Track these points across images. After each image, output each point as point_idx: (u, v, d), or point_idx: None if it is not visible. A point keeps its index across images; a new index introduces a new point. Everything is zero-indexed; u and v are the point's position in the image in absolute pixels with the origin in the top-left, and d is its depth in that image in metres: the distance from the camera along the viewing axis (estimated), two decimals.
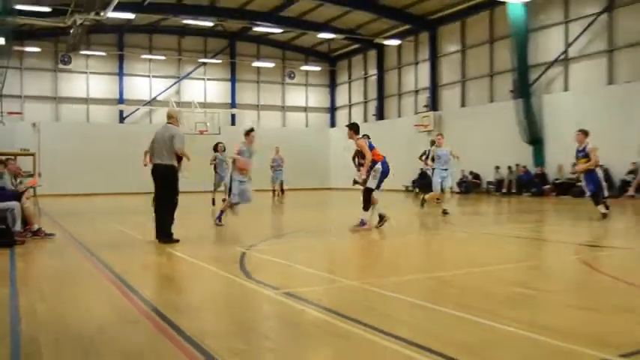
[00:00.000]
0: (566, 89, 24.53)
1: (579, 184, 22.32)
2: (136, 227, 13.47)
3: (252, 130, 12.60)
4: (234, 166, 11.94)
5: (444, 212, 14.37)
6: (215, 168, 19.11)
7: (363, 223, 10.66)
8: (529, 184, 24.72)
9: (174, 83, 35.32)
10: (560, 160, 23.73)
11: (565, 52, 24.29)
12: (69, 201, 24.52)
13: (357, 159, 12.36)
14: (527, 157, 25.19)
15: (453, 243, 9.89)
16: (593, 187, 12.66)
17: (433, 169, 15.37)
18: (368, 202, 10.92)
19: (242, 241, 9.68)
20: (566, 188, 23.06)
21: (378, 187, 11.04)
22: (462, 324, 4.31)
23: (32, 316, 4.92)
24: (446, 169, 15.06)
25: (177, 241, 9.37)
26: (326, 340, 4.02)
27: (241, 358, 3.62)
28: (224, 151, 18.65)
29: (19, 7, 22.48)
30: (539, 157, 24.80)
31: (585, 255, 7.74)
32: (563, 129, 23.53)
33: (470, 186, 27.61)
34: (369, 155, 10.99)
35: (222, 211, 12.82)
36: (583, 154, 12.88)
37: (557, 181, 23.76)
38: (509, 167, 26.00)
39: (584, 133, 12.82)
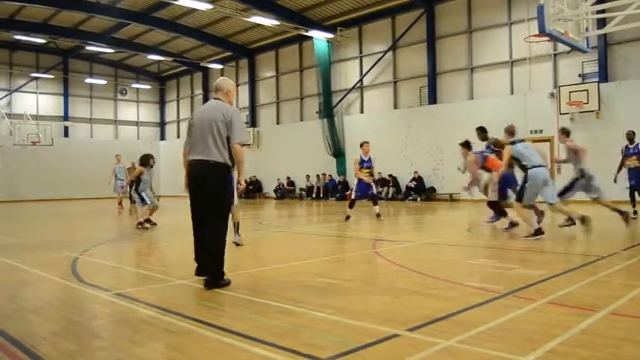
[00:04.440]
0: (362, 111, 25.98)
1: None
2: None
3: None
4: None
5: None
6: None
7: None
8: (334, 190, 25.76)
9: (6, 95, 31.97)
10: None
11: (360, 81, 25.73)
12: None
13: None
14: (332, 168, 26.26)
15: (270, 242, 9.93)
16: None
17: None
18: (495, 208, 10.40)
19: (73, 246, 8.91)
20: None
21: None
22: (274, 311, 4.31)
23: None
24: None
25: (229, 283, 5.32)
26: (155, 334, 3.80)
27: (72, 358, 3.30)
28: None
29: None
30: (341, 167, 25.95)
31: (380, 248, 8.16)
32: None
33: (285, 192, 28.15)
34: (475, 170, 10.71)
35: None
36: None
37: None
38: (318, 176, 26.89)
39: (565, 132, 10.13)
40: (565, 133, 10.15)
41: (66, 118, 34.24)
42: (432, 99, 22.88)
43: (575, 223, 9.14)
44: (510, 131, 9.32)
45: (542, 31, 9.75)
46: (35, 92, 33.36)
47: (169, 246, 9.17)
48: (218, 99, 5.48)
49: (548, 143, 18.64)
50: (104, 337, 3.90)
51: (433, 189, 22.54)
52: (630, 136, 12.48)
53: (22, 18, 27.36)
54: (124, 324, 4.17)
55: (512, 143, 9.01)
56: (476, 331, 3.61)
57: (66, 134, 33.94)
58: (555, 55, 19.61)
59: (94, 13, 26.26)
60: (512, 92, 20.71)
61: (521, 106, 19.50)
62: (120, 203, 19.74)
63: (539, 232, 8.44)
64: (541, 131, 19.18)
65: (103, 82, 35.24)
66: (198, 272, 5.41)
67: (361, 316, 4.07)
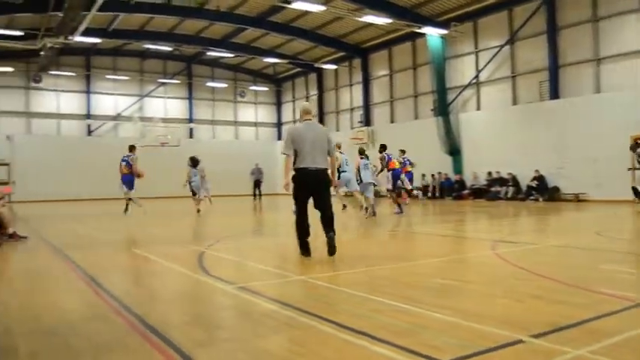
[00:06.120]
0: (478, 108, 25.19)
1: (492, 189, 23.00)
2: (100, 229, 13.10)
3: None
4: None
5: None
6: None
7: None
8: (450, 189, 25.21)
9: (137, 101, 34.59)
10: (474, 168, 24.36)
11: (476, 77, 24.95)
12: (42, 206, 23.56)
13: None
14: (448, 166, 25.71)
15: (385, 241, 9.93)
16: None
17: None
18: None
19: (200, 241, 9.45)
20: (481, 192, 23.66)
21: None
22: (392, 310, 4.29)
23: (7, 309, 4.68)
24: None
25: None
26: (277, 328, 3.94)
27: (202, 346, 3.51)
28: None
29: None
30: (457, 166, 25.34)
31: (500, 250, 7.88)
32: (477, 142, 24.27)
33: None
34: None
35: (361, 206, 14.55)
36: None
37: (473, 187, 24.31)
38: (433, 175, 26.45)
39: None
40: None
41: (191, 120, 36.46)
42: (554, 93, 21.66)
43: None
44: None
45: None
46: (163, 97, 35.80)
47: (287, 242, 9.43)
48: (311, 120, 7.38)
49: None
50: (230, 328, 4.11)
51: (556, 188, 21.33)
52: None
53: (150, 28, 29.49)
54: (248, 317, 4.36)
55: None
56: (609, 341, 3.37)
57: (191, 135, 36.13)
58: None
59: (215, 21, 27.80)
60: None
61: None
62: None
63: None
64: None
65: (223, 85, 37.15)
66: (332, 252, 7.01)
67: (481, 319, 3.95)
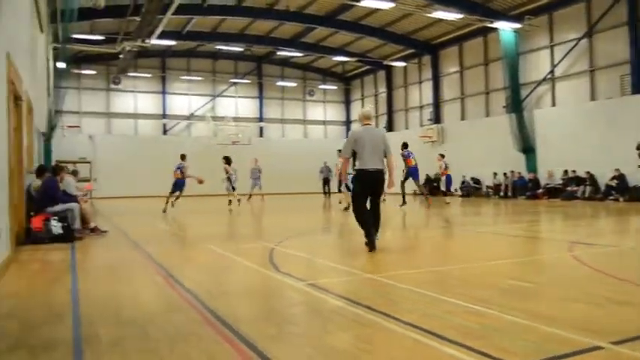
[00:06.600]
0: (553, 104, 24.26)
1: (568, 188, 22.12)
2: (176, 225, 13.57)
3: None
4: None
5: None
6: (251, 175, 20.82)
7: None
8: (523, 188, 24.45)
9: (210, 100, 35.54)
10: (550, 166, 23.49)
11: (552, 71, 24.04)
12: (120, 202, 24.68)
13: None
14: (521, 164, 24.93)
15: (455, 241, 9.77)
16: None
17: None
18: None
19: (269, 238, 9.61)
20: (556, 192, 22.79)
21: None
22: (463, 311, 4.21)
23: (89, 300, 4.93)
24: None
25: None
26: (346, 325, 3.96)
27: (272, 341, 3.57)
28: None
29: (76, 36, 22.73)
30: (531, 164, 24.54)
31: (577, 251, 7.57)
32: (552, 139, 23.37)
33: (471, 190, 27.40)
34: None
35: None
36: None
37: (548, 186, 23.45)
38: (505, 173, 25.73)
39: None
40: None
41: (261, 119, 37.12)
42: (637, 88, 20.53)
43: None
44: None
45: None
46: (234, 96, 36.60)
47: (354, 240, 9.43)
48: (370, 124, 7.95)
49: None
50: (299, 324, 4.16)
51: (638, 188, 20.21)
52: None
53: (222, 30, 30.23)
54: (316, 313, 4.41)
55: None
56: None
57: (261, 134, 36.79)
58: None
59: (284, 20, 28.16)
60: None
61: None
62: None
63: None
64: None
65: (293, 84, 37.58)
66: (373, 247, 7.55)
67: (556, 323, 3.81)
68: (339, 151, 16.65)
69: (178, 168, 17.69)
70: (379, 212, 7.90)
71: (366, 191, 7.81)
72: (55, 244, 9.00)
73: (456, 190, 26.96)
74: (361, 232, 7.86)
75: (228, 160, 19.75)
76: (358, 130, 7.93)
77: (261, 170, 24.66)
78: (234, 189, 19.71)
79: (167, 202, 17.67)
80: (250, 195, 24.65)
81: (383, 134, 8.05)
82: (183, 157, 18.08)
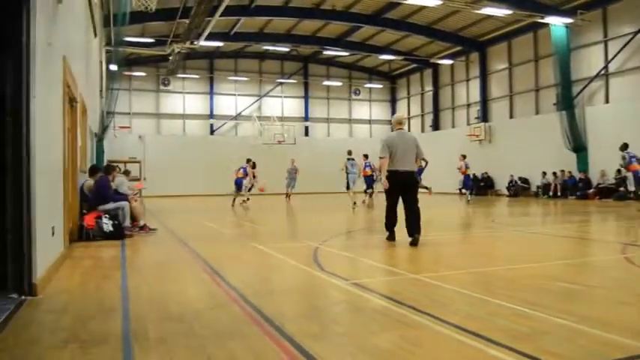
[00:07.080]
0: (607, 102, 23.46)
1: (621, 188, 21.38)
2: (222, 223, 13.77)
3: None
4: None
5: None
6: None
7: None
8: (574, 188, 23.76)
9: (256, 101, 35.90)
10: (602, 166, 22.73)
11: (605, 67, 23.26)
12: (168, 201, 25.22)
13: None
14: (571, 164, 24.22)
15: (502, 241, 9.58)
16: None
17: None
18: None
19: (315, 237, 9.63)
20: (608, 192, 22.05)
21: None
22: (510, 314, 4.13)
23: (138, 296, 5.05)
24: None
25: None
26: (390, 325, 3.94)
27: (316, 340, 3.58)
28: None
29: (128, 39, 23.35)
30: (582, 163, 23.81)
31: (631, 253, 7.31)
32: (605, 138, 22.57)
33: (519, 189, 26.80)
34: None
35: None
36: None
37: (600, 186, 22.71)
38: (554, 173, 25.06)
39: None
40: None
41: (306, 118, 37.29)
42: None
43: None
44: None
45: None
46: (280, 96, 36.89)
47: (398, 240, 9.39)
48: (402, 129, 8.67)
49: None
50: (343, 323, 4.16)
51: None
52: None
53: (269, 30, 30.49)
54: (360, 312, 4.40)
55: None
56: None
57: (306, 133, 36.96)
58: None
59: (330, 20, 28.17)
60: None
61: None
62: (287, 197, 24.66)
63: None
64: None
65: (338, 83, 37.58)
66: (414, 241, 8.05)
67: (609, 328, 3.68)
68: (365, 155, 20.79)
69: (242, 168, 20.37)
70: (418, 213, 8.28)
71: (396, 191, 8.44)
72: (106, 241, 9.27)
73: (501, 189, 26.40)
74: (404, 231, 8.23)
75: (254, 165, 21.34)
76: (392, 134, 8.75)
77: (298, 170, 24.83)
78: (249, 190, 21.22)
79: (234, 200, 20.15)
80: (287, 194, 24.93)
81: (414, 138, 8.72)
82: (248, 161, 20.69)
